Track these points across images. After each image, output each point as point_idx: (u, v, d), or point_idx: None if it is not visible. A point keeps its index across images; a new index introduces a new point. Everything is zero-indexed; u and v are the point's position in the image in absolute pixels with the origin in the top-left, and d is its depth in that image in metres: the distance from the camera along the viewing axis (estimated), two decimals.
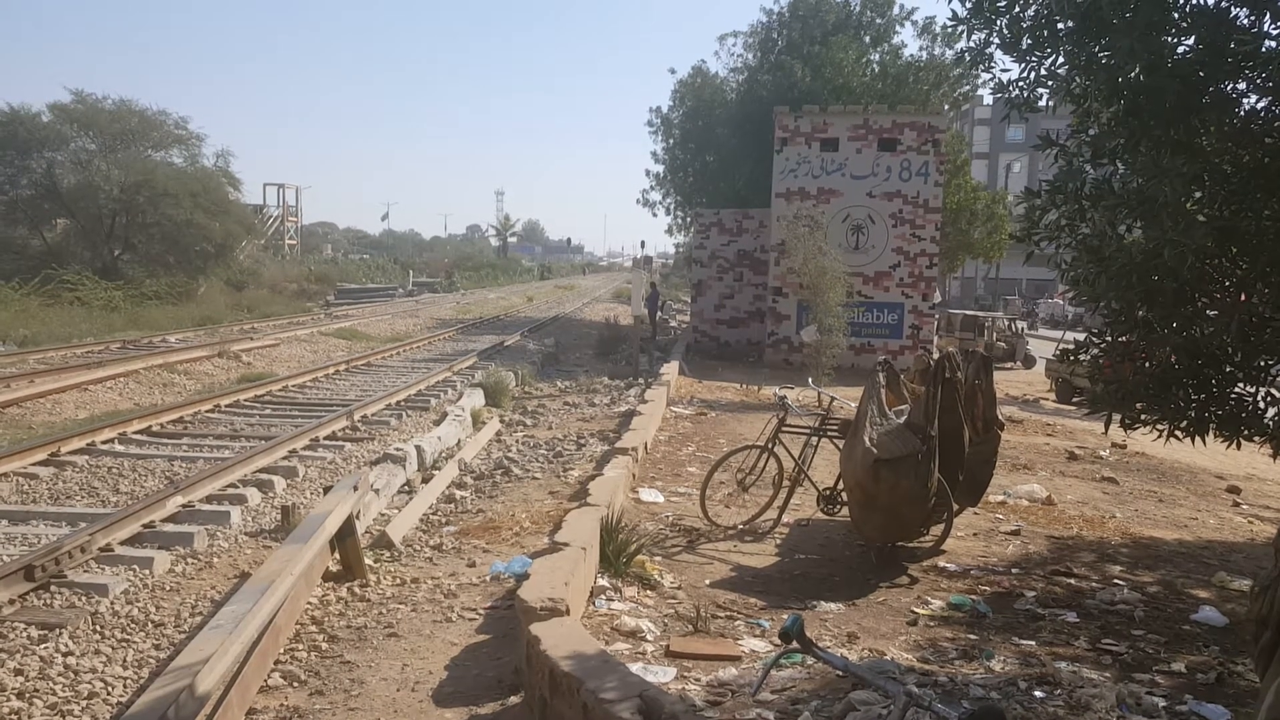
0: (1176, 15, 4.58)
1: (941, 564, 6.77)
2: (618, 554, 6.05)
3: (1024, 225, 5.72)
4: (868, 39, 27.19)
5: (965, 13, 5.29)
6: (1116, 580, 6.55)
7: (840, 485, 7.20)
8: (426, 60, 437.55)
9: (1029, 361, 26.84)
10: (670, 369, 16.85)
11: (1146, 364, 5.28)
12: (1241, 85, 4.66)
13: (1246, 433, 5.17)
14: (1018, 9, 5.13)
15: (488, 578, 6.23)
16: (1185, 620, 5.80)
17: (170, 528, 7.10)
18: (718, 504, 7.78)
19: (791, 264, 19.72)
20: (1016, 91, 5.33)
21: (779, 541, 7.26)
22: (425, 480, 9.07)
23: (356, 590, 6.02)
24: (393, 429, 11.82)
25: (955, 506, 7.00)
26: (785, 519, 7.60)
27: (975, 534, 7.68)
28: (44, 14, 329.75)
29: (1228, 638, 5.46)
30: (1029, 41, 5.14)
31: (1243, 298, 4.91)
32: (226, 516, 7.46)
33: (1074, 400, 17.61)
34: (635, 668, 4.23)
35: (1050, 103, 5.52)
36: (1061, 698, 4.39)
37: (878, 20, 27.43)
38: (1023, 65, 5.23)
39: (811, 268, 18.37)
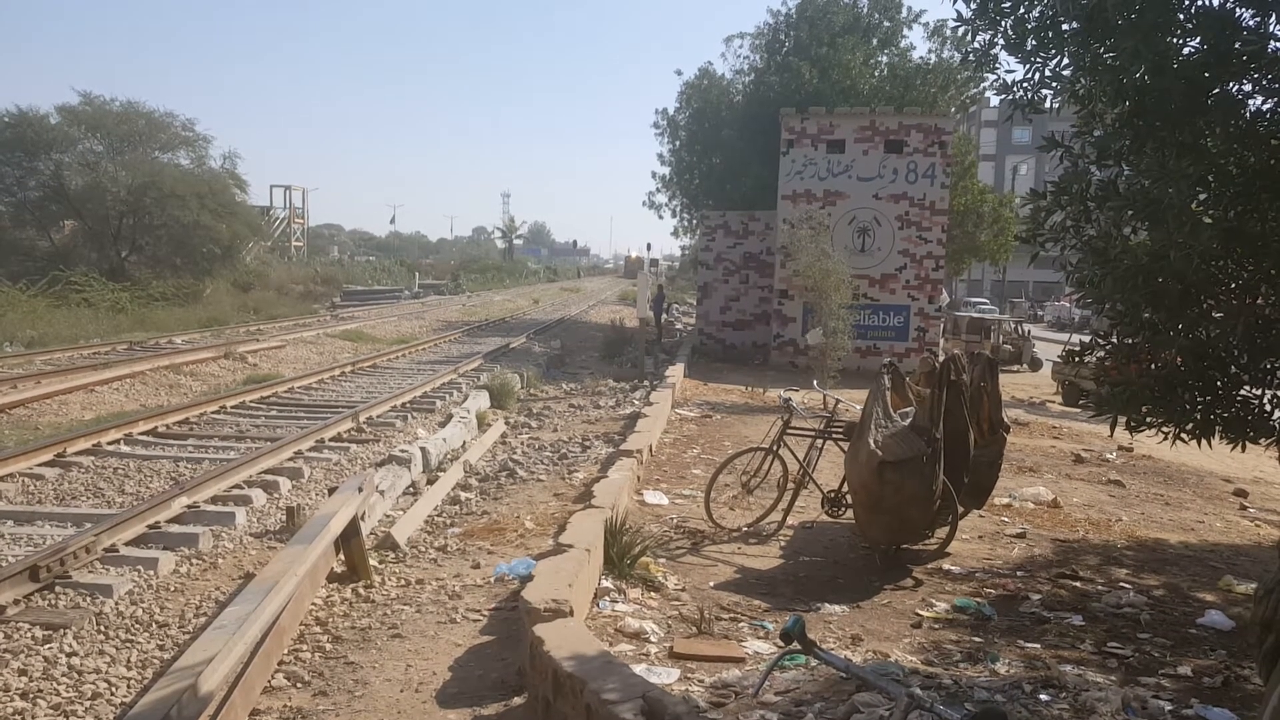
0: (1181, 16, 4.57)
1: (946, 566, 6.75)
2: (622, 556, 6.06)
3: (1029, 227, 5.71)
4: (875, 41, 27.12)
5: (970, 14, 5.28)
6: (1122, 583, 6.53)
7: (845, 488, 7.19)
8: (433, 63, 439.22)
9: (1035, 364, 26.72)
10: (675, 371, 16.85)
11: (1152, 366, 5.26)
12: (1247, 87, 4.64)
13: (1252, 435, 5.14)
14: (1022, 10, 5.12)
15: (492, 579, 6.24)
16: (1191, 624, 5.78)
17: (175, 528, 7.12)
18: (722, 506, 7.77)
19: (797, 266, 19.71)
20: (1021, 93, 5.32)
21: (783, 544, 7.25)
22: (430, 482, 9.08)
23: (361, 591, 6.04)
24: (398, 431, 11.84)
25: (960, 509, 6.98)
26: (790, 521, 7.59)
27: (980, 536, 7.66)
28: (51, 16, 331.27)
29: (1234, 641, 5.44)
30: (1034, 43, 5.12)
31: (1249, 300, 4.89)
32: (231, 517, 7.48)
33: (1080, 403, 17.53)
34: (638, 669, 4.23)
35: (1055, 104, 5.51)
36: (1066, 701, 4.37)
37: (886, 23, 27.38)
38: (1027, 66, 5.22)
39: (817, 270, 18.37)
